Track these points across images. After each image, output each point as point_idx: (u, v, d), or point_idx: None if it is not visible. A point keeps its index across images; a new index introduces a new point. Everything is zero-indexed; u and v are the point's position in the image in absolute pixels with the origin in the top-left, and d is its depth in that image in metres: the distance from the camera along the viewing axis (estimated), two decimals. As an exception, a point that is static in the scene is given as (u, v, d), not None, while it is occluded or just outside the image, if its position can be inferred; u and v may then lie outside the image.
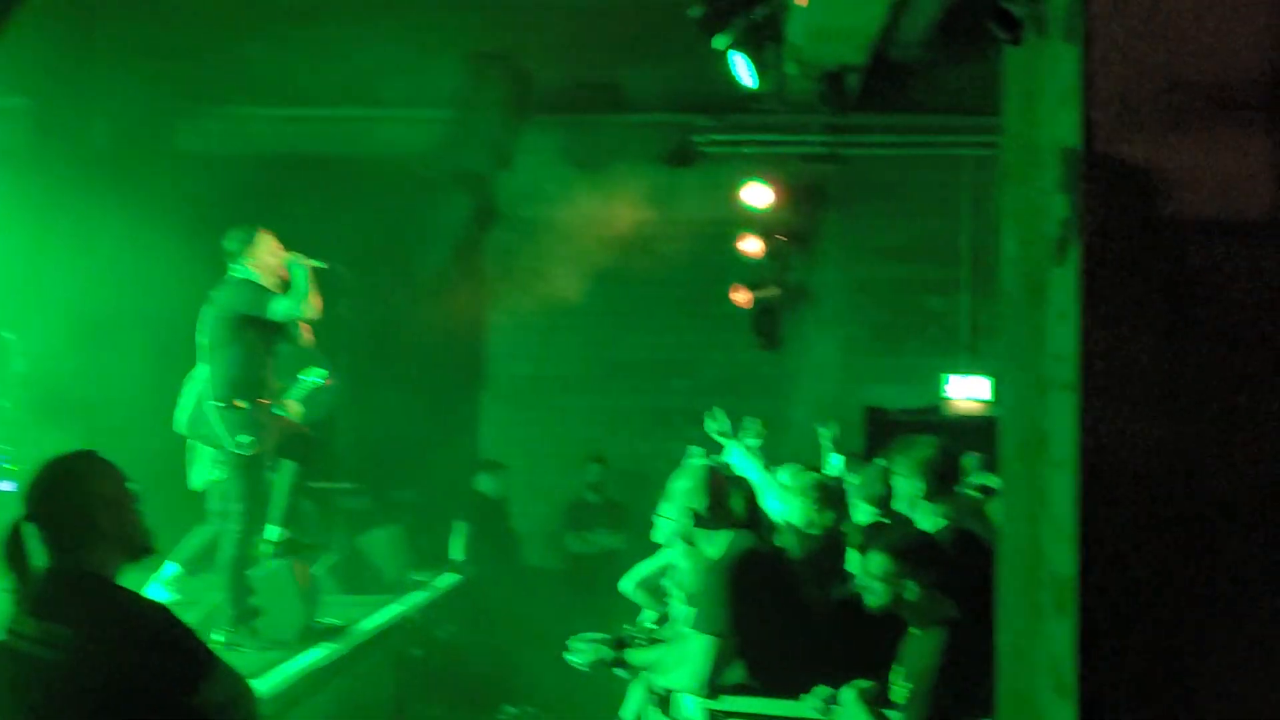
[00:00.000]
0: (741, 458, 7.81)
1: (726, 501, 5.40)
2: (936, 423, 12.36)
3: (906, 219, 13.00)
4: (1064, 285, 2.64)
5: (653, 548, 7.02)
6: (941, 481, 5.63)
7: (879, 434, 12.40)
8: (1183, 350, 2.52)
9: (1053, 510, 2.69)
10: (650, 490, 6.93)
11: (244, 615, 7.12)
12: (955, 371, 12.90)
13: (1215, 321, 2.52)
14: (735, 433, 8.17)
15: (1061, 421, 2.65)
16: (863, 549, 5.01)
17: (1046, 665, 2.70)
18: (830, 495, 6.48)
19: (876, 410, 13.05)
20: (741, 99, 11.98)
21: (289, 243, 7.33)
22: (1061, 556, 2.63)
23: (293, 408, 8.38)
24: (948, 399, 12.98)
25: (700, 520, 5.27)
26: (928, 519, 5.59)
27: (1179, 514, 2.55)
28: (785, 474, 7.38)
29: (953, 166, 12.65)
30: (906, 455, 5.74)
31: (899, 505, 5.81)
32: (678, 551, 6.01)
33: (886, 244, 13.08)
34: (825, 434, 9.71)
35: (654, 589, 7.10)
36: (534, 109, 12.11)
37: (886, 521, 5.91)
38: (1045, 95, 2.82)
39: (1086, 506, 2.57)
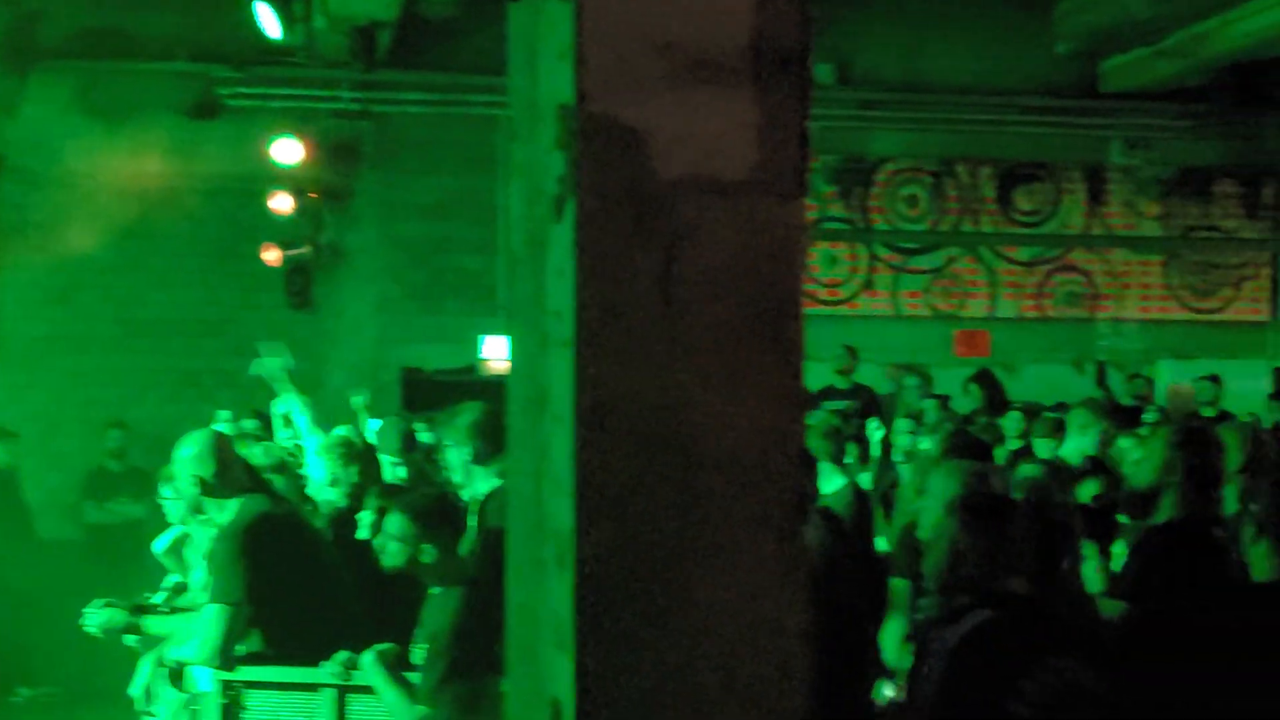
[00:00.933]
0: (300, 414, 7.67)
1: (235, 466, 5.23)
2: (473, 383, 12.46)
3: (442, 177, 13.00)
4: (561, 242, 2.65)
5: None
6: (490, 443, 5.59)
7: (416, 395, 12.42)
8: (674, 306, 2.58)
9: (553, 466, 2.71)
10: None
11: None
12: (491, 331, 13.02)
13: (704, 277, 2.60)
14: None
15: (560, 377, 2.67)
16: (380, 509, 4.98)
17: (549, 620, 2.72)
18: (355, 454, 6.41)
19: (414, 371, 13.05)
20: (269, 51, 11.69)
21: None
22: (561, 512, 2.65)
23: None
24: (484, 359, 13.11)
25: (208, 487, 5.09)
26: (481, 482, 5.59)
27: (672, 466, 2.61)
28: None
29: (487, 126, 12.72)
30: (452, 424, 5.74)
31: (454, 475, 5.81)
32: (191, 520, 5.80)
33: (422, 202, 13.06)
34: (358, 400, 9.64)
35: (179, 555, 6.87)
36: (40, 54, 11.41)
37: (405, 471, 5.92)
38: (545, 53, 2.83)
39: (584, 462, 2.59)
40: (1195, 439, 4.86)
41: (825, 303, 13.97)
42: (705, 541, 2.61)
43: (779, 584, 2.61)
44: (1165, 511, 4.74)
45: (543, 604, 2.82)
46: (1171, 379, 14.19)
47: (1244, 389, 12.98)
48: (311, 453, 7.28)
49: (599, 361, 2.56)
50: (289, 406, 7.89)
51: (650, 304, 2.57)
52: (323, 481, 6.56)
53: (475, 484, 5.54)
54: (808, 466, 5.21)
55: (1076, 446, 7.52)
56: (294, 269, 12.66)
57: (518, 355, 3.27)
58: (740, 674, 2.67)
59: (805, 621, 2.67)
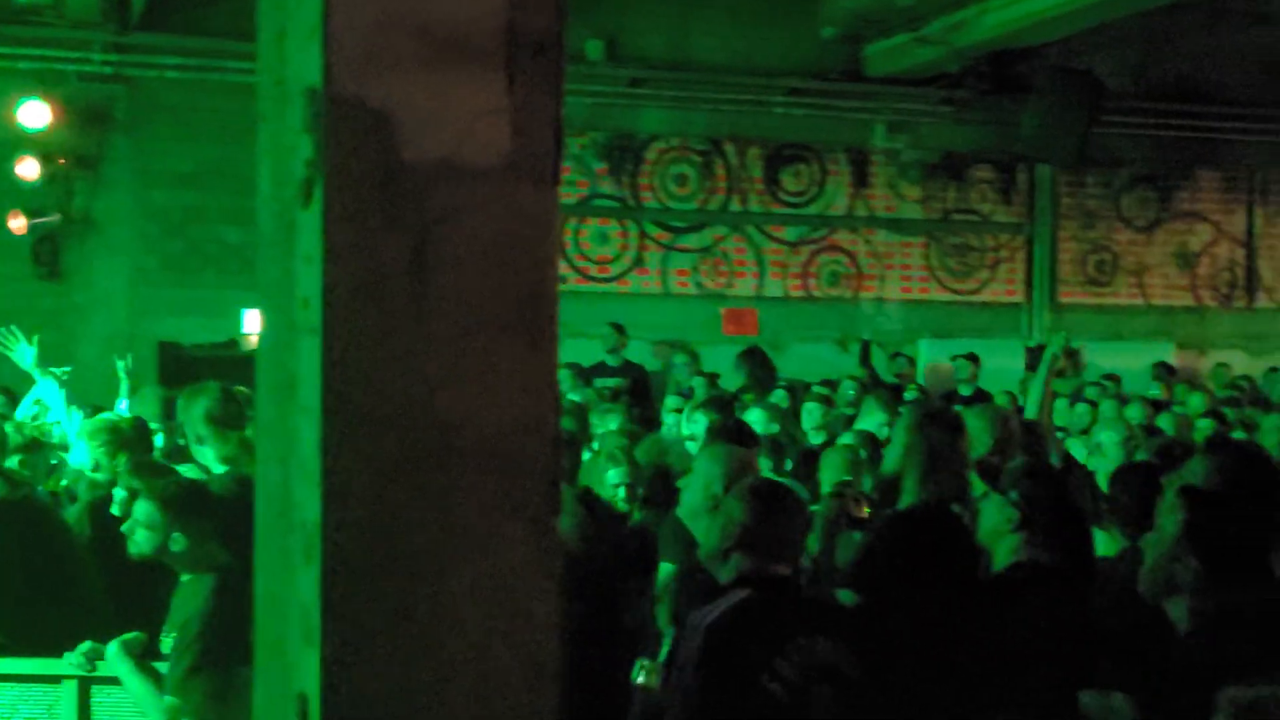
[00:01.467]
0: (53, 393, 7.37)
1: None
2: (234, 358, 12.13)
3: (199, 145, 12.59)
4: (310, 228, 2.57)
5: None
6: (224, 427, 5.54)
7: (174, 370, 12.04)
8: (425, 293, 2.53)
9: (301, 455, 2.63)
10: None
11: None
12: (253, 305, 12.65)
13: (456, 264, 2.55)
14: None
15: (308, 365, 2.59)
16: (131, 494, 4.84)
17: (297, 613, 2.64)
18: (122, 438, 6.19)
19: (171, 345, 12.67)
20: (14, 9, 11.19)
21: None
22: (309, 503, 2.58)
23: None
24: (246, 334, 12.77)
25: (-61, 472, 4.85)
26: (212, 464, 5.55)
27: (423, 455, 2.56)
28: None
29: (246, 94, 12.17)
30: (188, 410, 5.67)
31: (197, 455, 5.74)
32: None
33: (178, 170, 12.65)
34: (122, 365, 9.29)
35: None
36: None
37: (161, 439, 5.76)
38: (293, 31, 2.73)
39: (332, 452, 2.52)
40: (935, 421, 4.79)
41: (596, 280, 14.01)
42: (456, 532, 2.57)
43: (532, 573, 2.59)
44: (908, 495, 4.68)
45: (290, 596, 2.74)
46: (931, 358, 14.64)
47: (1000, 367, 13.48)
48: (72, 433, 7.01)
49: (348, 350, 2.50)
50: (43, 391, 7.60)
51: (401, 292, 2.51)
52: (85, 465, 6.31)
53: (211, 465, 5.47)
54: (564, 452, 5.20)
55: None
56: (41, 238, 12.19)
57: (266, 340, 3.17)
58: (492, 667, 2.64)
59: (557, 612, 2.65)
